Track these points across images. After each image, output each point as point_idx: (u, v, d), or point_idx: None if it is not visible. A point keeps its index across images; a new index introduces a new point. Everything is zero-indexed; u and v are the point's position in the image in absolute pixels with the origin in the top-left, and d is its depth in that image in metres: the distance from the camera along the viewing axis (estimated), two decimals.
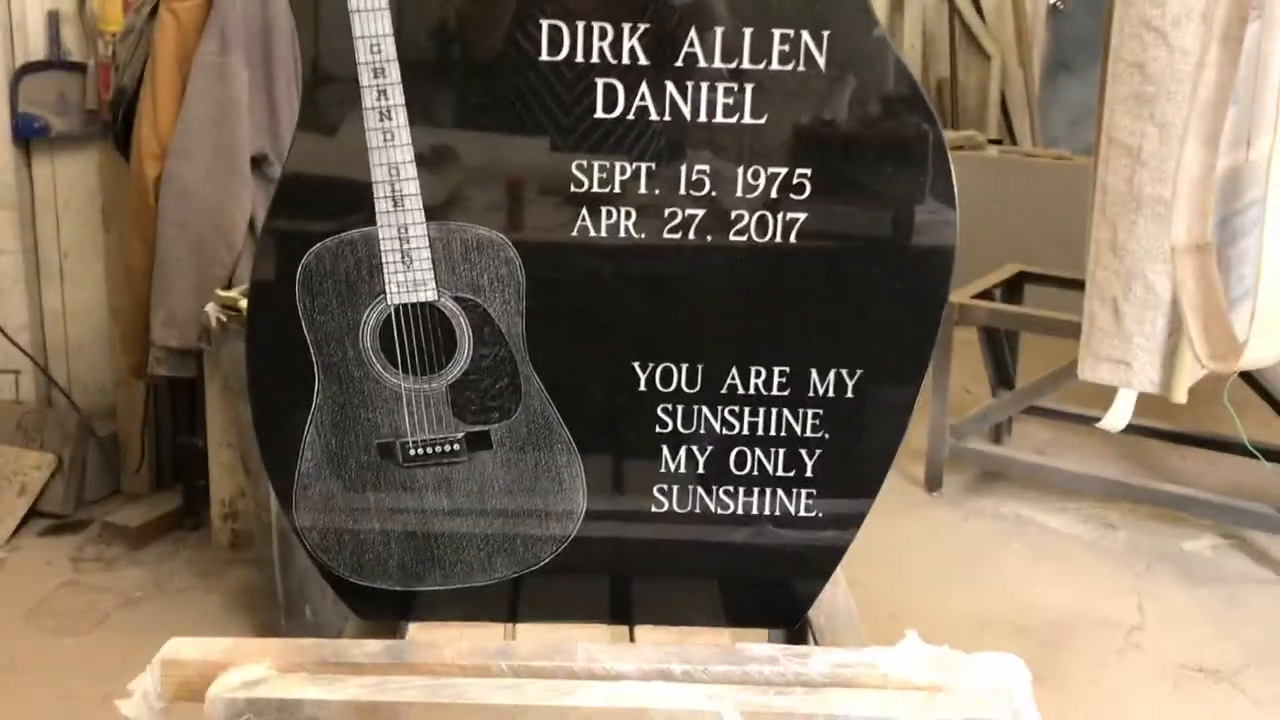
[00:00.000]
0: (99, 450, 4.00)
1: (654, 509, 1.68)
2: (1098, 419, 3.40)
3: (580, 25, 1.48)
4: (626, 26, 1.47)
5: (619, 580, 1.74)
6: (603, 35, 1.48)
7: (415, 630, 1.71)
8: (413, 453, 1.62)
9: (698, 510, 1.68)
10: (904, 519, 4.20)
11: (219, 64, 3.36)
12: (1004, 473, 4.43)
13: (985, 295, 4.40)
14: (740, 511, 1.68)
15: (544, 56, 1.48)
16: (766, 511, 1.68)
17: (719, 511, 1.68)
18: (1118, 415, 3.45)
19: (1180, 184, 2.98)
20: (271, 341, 1.59)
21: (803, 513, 1.69)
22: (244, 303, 3.08)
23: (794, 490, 1.67)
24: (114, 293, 4.00)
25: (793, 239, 1.55)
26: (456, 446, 1.62)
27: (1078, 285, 3.41)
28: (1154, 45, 3.20)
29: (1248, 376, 4.20)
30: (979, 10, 6.85)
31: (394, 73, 1.48)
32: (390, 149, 1.50)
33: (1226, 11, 2.89)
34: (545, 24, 1.47)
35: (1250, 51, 3.00)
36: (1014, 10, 6.79)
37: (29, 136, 3.88)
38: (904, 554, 3.87)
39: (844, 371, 1.61)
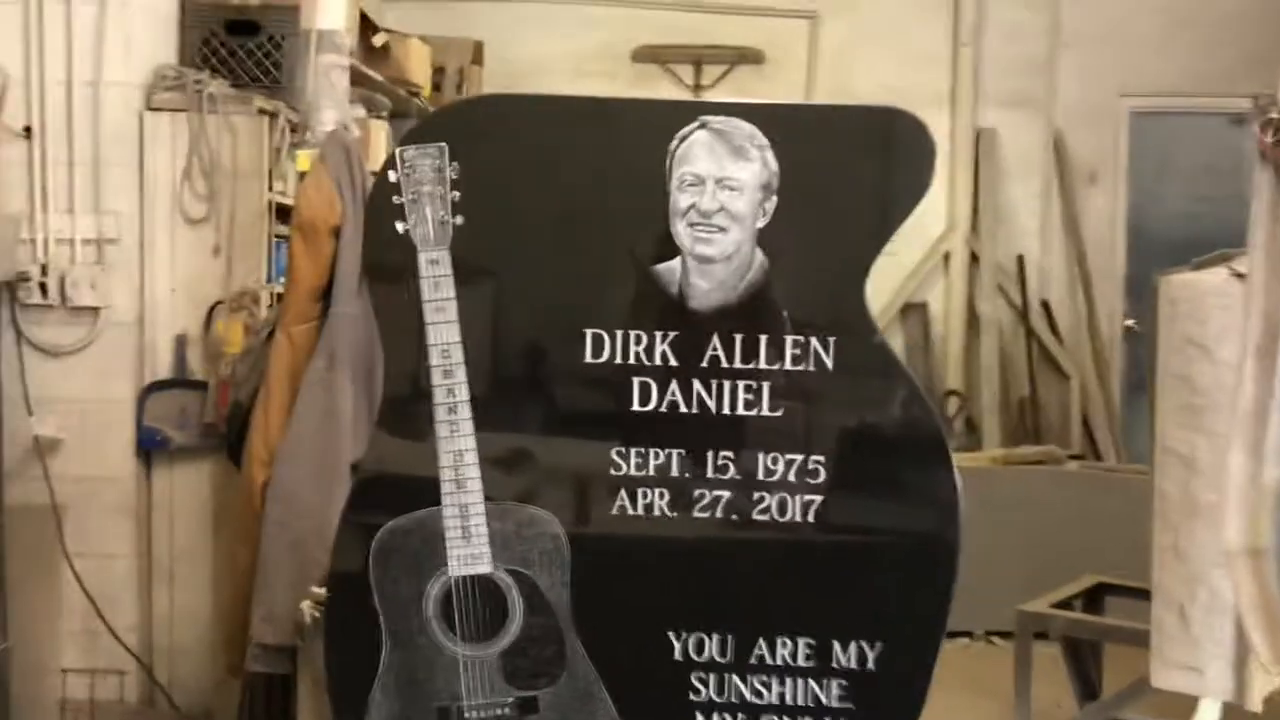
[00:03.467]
0: None
1: None
2: None
3: (619, 333, 1.74)
4: (658, 333, 1.73)
5: None
6: (638, 341, 1.73)
7: None
8: (468, 716, 1.79)
9: None
10: None
11: (327, 379, 3.67)
12: None
13: (1065, 605, 4.44)
14: None
15: (587, 359, 1.74)
16: None
17: None
18: None
19: (1229, 490, 3.09)
20: (347, 611, 1.80)
21: None
22: (325, 608, 3.27)
23: None
24: (219, 597, 4.18)
25: (810, 519, 1.74)
26: (508, 711, 1.78)
27: None
28: (1198, 360, 3.38)
29: None
30: (1055, 332, 7.14)
31: (460, 373, 1.74)
32: (455, 438, 1.74)
33: (1258, 327, 3.08)
34: (589, 333, 1.74)
35: None
36: (1089, 331, 7.06)
37: (150, 449, 4.16)
38: None
39: (865, 644, 1.76)
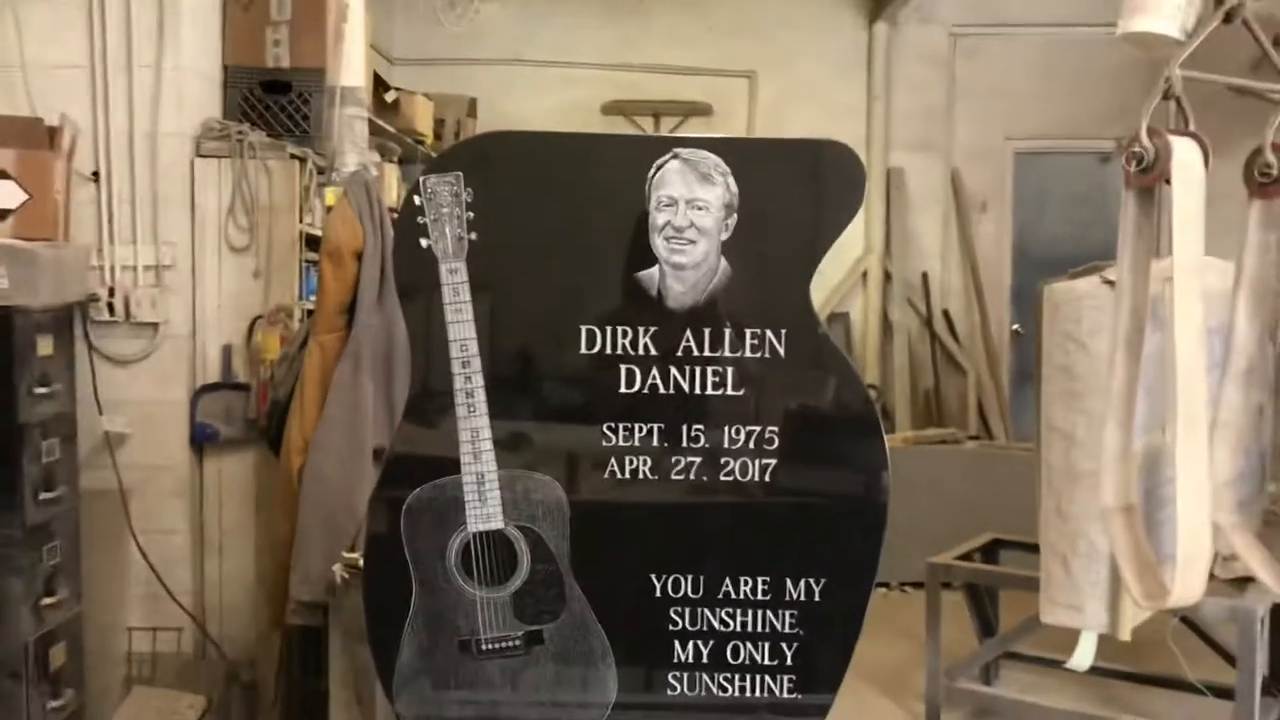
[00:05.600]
0: (241, 693, 4.11)
1: (669, 693, 1.84)
2: None
3: (609, 328, 1.77)
4: (641, 328, 1.76)
5: None
6: (625, 335, 1.77)
7: None
8: (484, 647, 1.81)
9: (703, 694, 1.84)
10: None
11: (352, 380, 3.68)
12: (993, 709, 4.41)
13: (966, 558, 4.51)
14: (736, 694, 1.84)
15: (582, 350, 1.77)
16: (757, 694, 1.83)
17: (720, 695, 1.84)
18: (1082, 655, 3.50)
19: (1104, 459, 3.15)
20: (382, 564, 1.81)
21: (785, 696, 1.83)
22: (363, 562, 3.28)
23: (778, 677, 1.83)
24: (260, 563, 4.19)
25: (767, 479, 1.78)
26: (518, 642, 1.81)
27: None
28: (1075, 352, 3.44)
29: (1190, 624, 4.23)
30: (954, 335, 7.22)
31: (476, 363, 1.76)
32: (472, 417, 1.76)
33: (1126, 324, 3.14)
34: (583, 328, 1.77)
35: (1156, 355, 3.22)
36: (982, 334, 7.15)
37: (202, 441, 4.15)
38: None
39: (812, 580, 1.80)
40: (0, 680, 3.47)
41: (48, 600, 3.60)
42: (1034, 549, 4.47)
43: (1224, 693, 4.10)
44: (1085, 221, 7.12)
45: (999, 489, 5.76)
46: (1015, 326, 7.30)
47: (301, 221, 4.18)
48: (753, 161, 1.79)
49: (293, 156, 4.14)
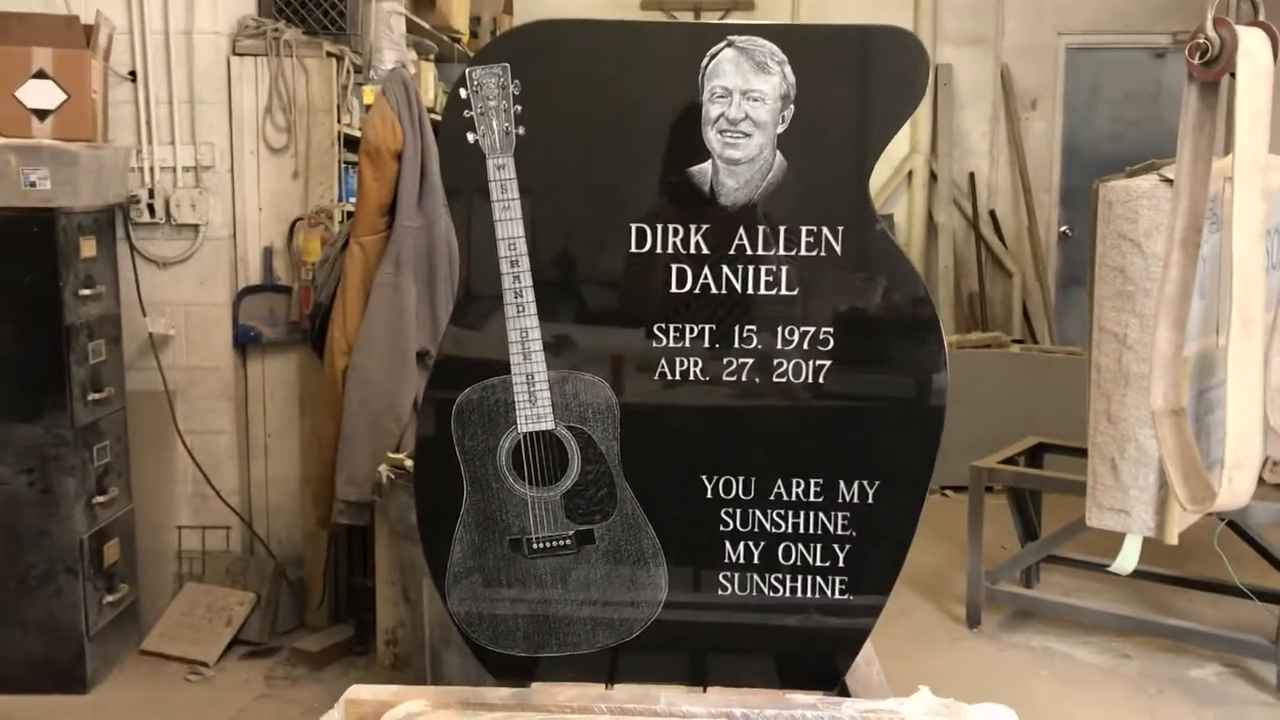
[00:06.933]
0: (289, 590, 4.19)
1: (720, 593, 1.83)
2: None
3: (659, 226, 1.72)
4: (692, 226, 1.72)
5: (695, 650, 1.88)
6: (675, 233, 1.72)
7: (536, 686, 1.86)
8: (535, 546, 1.80)
9: (754, 594, 1.83)
10: (949, 651, 4.20)
11: (394, 282, 3.68)
12: (1034, 611, 4.43)
13: (1010, 462, 4.49)
14: (788, 595, 1.83)
15: (632, 249, 1.73)
16: (809, 595, 1.83)
17: (771, 595, 1.83)
18: (1126, 559, 3.49)
19: (1155, 360, 3.10)
20: (433, 464, 1.81)
21: (837, 596, 1.83)
22: (409, 464, 3.30)
23: (830, 578, 1.82)
24: (306, 464, 4.24)
25: (821, 380, 1.75)
26: (568, 541, 1.80)
27: (1086, 453, 3.50)
28: (1130, 252, 3.37)
29: (1237, 529, 4.20)
30: (1000, 237, 7.09)
31: (525, 262, 1.73)
32: (522, 317, 1.74)
33: (1183, 222, 3.06)
34: (633, 226, 1.72)
35: (1213, 256, 3.15)
36: (1029, 237, 7.02)
37: (245, 343, 4.18)
38: (948, 680, 3.85)
39: (865, 482, 1.78)
40: (58, 575, 3.56)
41: (100, 498, 3.67)
42: (1077, 453, 4.45)
43: (1270, 597, 4.09)
44: (1138, 120, 6.93)
45: (1043, 393, 5.72)
46: (1064, 228, 7.17)
47: (340, 122, 4.14)
48: (810, 49, 1.71)
49: (329, 54, 4.08)
